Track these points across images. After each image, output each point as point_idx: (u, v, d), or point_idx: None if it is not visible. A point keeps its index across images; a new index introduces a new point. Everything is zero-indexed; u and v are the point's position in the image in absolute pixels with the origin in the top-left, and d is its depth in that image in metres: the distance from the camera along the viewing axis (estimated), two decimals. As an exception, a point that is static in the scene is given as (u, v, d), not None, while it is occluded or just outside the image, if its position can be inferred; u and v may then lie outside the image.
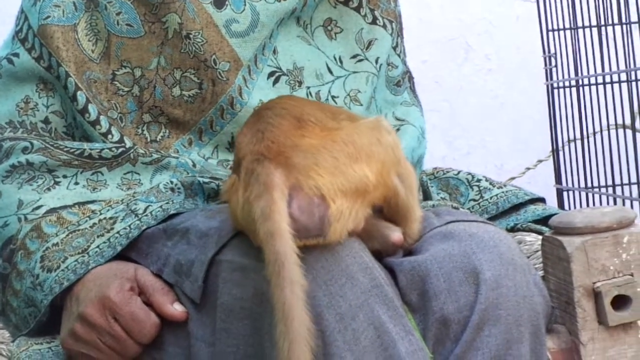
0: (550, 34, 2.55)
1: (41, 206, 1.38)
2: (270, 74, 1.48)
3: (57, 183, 1.40)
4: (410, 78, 1.68)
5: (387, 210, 1.21)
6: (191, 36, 1.43)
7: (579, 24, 2.47)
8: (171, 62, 1.44)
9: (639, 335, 1.24)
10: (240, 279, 1.17)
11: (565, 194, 2.56)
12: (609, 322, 1.21)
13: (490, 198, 1.56)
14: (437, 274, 1.19)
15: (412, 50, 1.79)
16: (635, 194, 2.41)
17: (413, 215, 1.24)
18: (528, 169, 2.85)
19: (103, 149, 1.41)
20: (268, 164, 1.12)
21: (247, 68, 1.45)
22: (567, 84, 2.54)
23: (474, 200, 1.57)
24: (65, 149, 1.41)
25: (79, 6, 1.46)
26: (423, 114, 1.65)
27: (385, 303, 1.14)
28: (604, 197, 2.46)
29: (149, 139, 1.45)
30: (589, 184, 2.48)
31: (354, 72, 1.52)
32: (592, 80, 2.50)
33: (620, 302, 1.22)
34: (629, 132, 2.45)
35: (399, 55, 1.61)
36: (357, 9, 1.54)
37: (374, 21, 1.55)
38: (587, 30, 2.47)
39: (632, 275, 1.22)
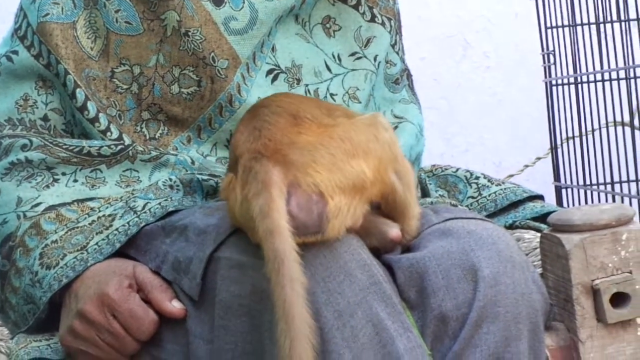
0: (549, 31, 2.54)
1: (40, 203, 1.38)
2: (269, 72, 1.48)
3: (56, 180, 1.40)
4: (409, 75, 1.68)
5: (385, 207, 1.21)
6: (190, 34, 1.43)
7: (578, 21, 2.46)
8: (170, 60, 1.44)
9: (638, 332, 1.24)
10: (239, 276, 1.17)
11: (563, 191, 2.56)
12: (607, 319, 1.21)
13: (489, 195, 1.56)
14: (436, 271, 1.19)
15: (411, 48, 1.79)
16: (634, 191, 2.41)
17: (411, 212, 1.24)
18: (526, 166, 2.84)
19: (102, 146, 1.41)
20: (266, 162, 1.11)
21: (246, 66, 1.45)
22: (565, 81, 2.53)
23: (473, 197, 1.57)
24: (64, 147, 1.41)
25: (78, 4, 1.46)
26: (421, 112, 1.65)
27: (383, 300, 1.14)
28: (602, 195, 2.46)
29: (147, 137, 1.45)
30: (588, 182, 2.48)
31: (353, 70, 1.52)
32: (591, 78, 2.49)
33: (619, 299, 1.22)
34: (627, 129, 2.44)
35: (397, 53, 1.60)
36: (356, 7, 1.54)
37: (372, 19, 1.55)
38: (586, 28, 2.46)
39: (630, 272, 1.22)
